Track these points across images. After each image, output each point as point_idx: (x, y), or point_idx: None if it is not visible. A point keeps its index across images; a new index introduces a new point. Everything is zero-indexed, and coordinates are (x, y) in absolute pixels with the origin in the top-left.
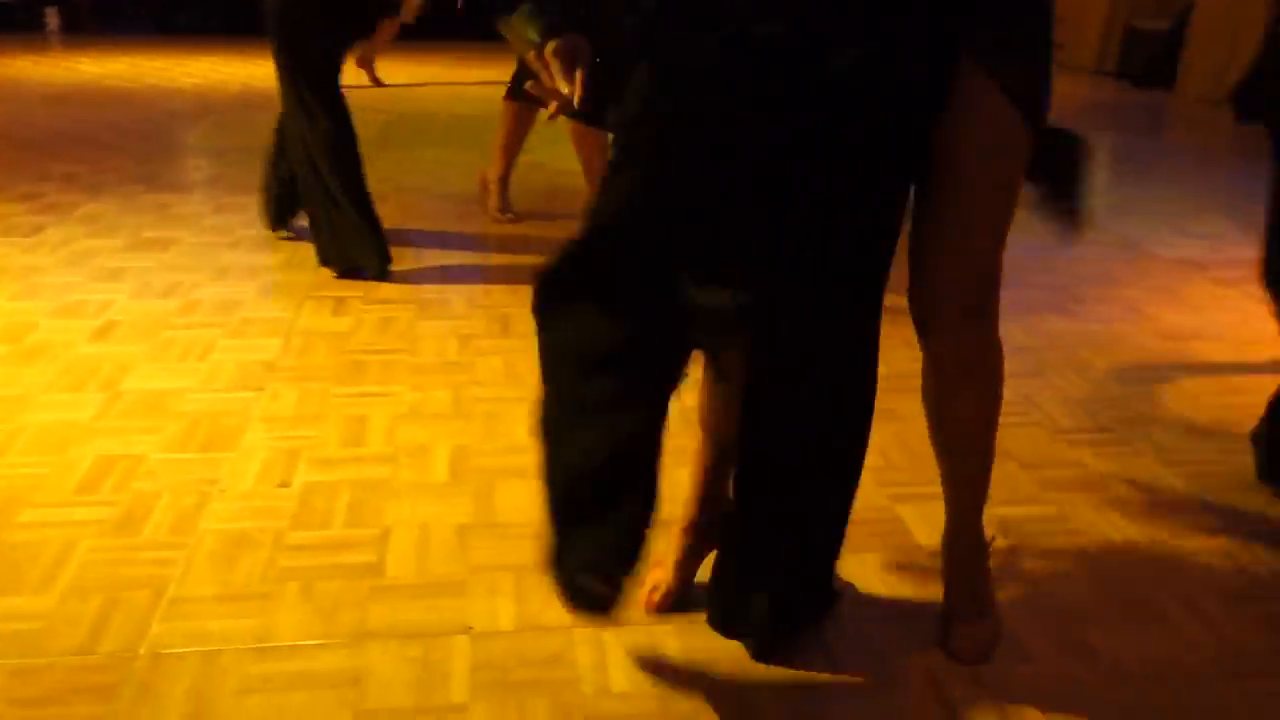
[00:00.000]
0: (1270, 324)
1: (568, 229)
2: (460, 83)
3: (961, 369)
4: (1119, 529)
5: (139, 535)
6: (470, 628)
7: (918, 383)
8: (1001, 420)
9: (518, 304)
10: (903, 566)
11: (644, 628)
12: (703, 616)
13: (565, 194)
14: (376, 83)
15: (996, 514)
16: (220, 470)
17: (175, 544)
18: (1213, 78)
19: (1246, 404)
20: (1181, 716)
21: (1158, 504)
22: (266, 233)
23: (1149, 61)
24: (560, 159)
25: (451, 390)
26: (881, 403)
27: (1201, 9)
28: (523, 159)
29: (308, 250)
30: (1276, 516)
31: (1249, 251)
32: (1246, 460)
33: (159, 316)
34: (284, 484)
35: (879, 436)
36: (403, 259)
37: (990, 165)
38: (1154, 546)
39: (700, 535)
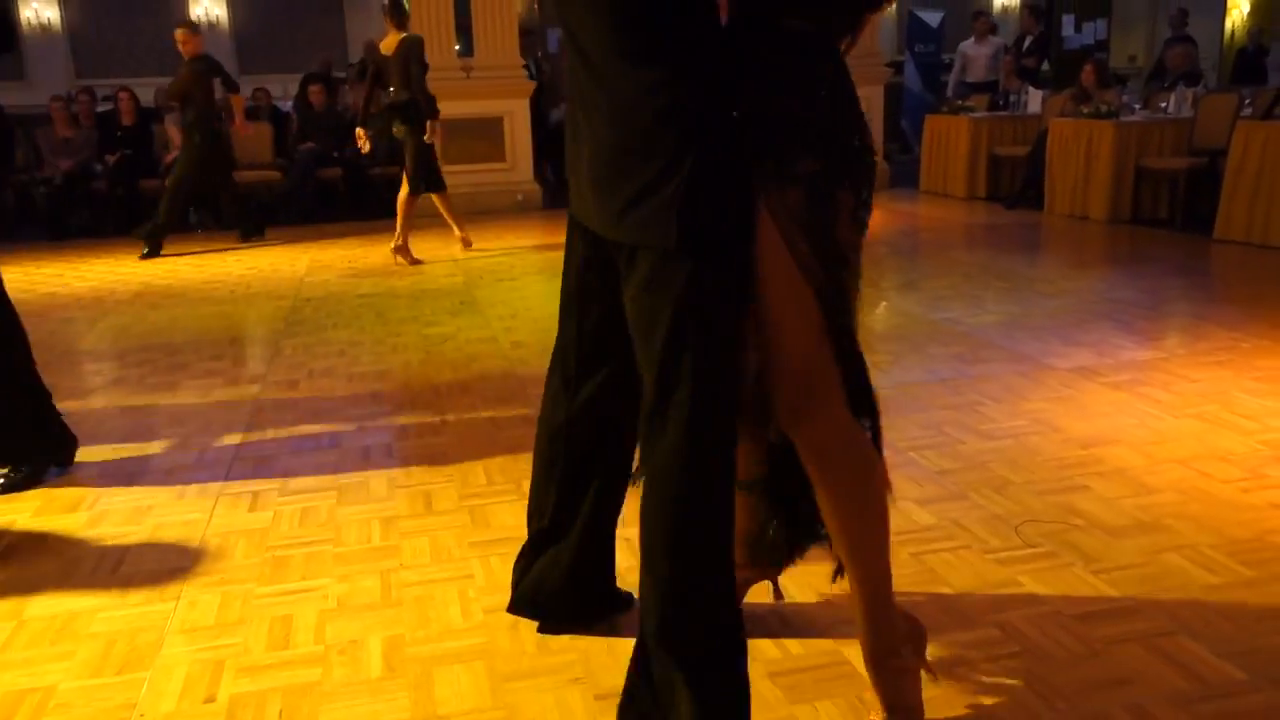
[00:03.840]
0: (1167, 422)
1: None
2: (354, 268)
3: (810, 464)
4: (1060, 644)
5: None
6: None
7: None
8: (932, 546)
9: (439, 480)
10: (857, 712)
11: None
12: None
13: (477, 365)
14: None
15: (937, 639)
16: (139, 692)
17: None
18: (1073, 194)
19: (1160, 502)
20: None
21: (1094, 614)
22: None
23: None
24: (470, 327)
25: (379, 577)
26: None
27: (1054, 134)
28: (432, 330)
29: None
30: (1210, 610)
31: (1135, 354)
32: (1173, 558)
33: (65, 532)
34: (210, 699)
35: (818, 577)
36: (318, 445)
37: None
38: (1096, 658)
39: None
